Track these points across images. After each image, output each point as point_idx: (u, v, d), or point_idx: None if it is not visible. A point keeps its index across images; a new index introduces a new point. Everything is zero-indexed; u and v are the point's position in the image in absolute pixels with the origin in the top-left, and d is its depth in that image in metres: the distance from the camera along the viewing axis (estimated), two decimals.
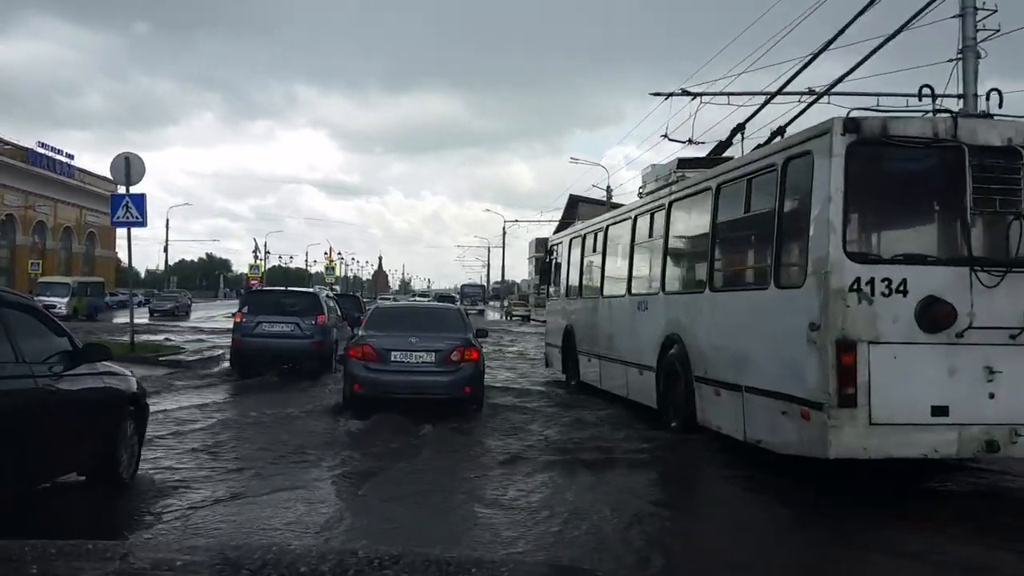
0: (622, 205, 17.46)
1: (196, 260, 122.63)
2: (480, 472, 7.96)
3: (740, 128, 11.13)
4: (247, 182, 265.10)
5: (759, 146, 9.10)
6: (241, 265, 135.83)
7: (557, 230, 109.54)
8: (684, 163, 11.36)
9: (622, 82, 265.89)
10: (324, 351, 16.12)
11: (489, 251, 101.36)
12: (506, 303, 70.98)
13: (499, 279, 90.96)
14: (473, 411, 11.29)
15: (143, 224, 18.05)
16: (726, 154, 11.13)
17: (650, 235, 11.12)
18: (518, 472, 7.89)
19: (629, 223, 12.00)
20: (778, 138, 8.99)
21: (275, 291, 19.76)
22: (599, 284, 13.41)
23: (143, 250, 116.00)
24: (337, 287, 73.16)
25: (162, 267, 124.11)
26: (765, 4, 18.75)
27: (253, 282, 54.03)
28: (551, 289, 17.29)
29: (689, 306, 9.67)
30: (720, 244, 9.07)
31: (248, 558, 1.70)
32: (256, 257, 52.88)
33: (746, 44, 36.79)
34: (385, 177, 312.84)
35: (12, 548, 1.66)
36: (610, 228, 13.15)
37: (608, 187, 49.32)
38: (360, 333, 12.08)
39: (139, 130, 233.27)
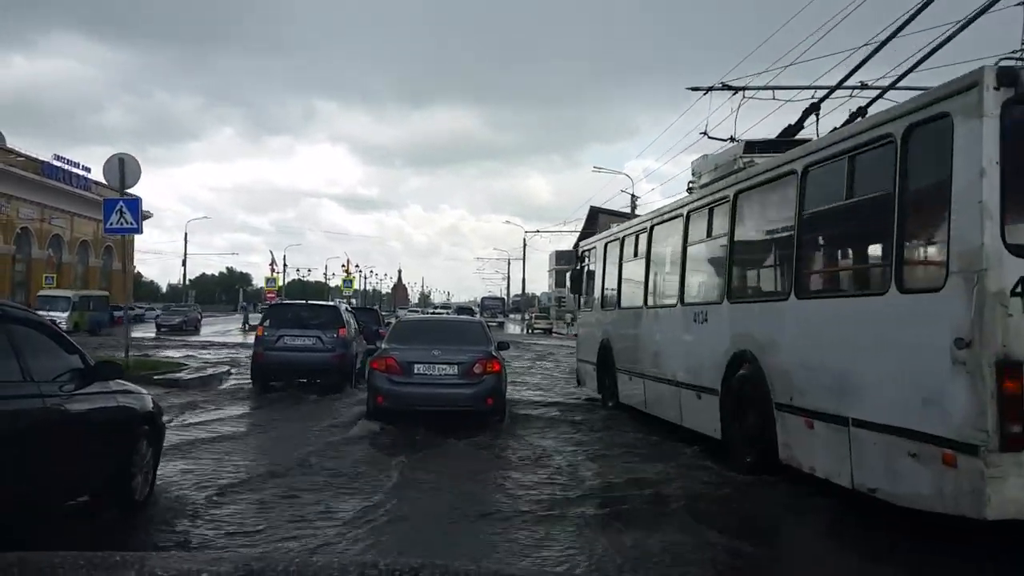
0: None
1: (217, 274, 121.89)
2: (500, 528, 6.19)
3: (814, 108, 9.41)
4: (267, 196, 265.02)
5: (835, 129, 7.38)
6: (261, 279, 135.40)
7: (578, 241, 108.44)
8: (752, 147, 9.57)
9: (639, 95, 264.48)
10: (346, 365, 15.76)
11: (509, 263, 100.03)
12: (527, 316, 69.17)
13: (519, 292, 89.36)
14: (496, 422, 11.15)
15: (138, 231, 16.55)
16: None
17: (709, 233, 9.37)
18: (543, 528, 6.12)
19: (680, 221, 10.26)
20: (859, 119, 7.28)
21: (296, 305, 19.34)
22: (643, 293, 11.66)
23: (165, 264, 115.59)
24: (354, 300, 71.64)
25: (182, 283, 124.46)
26: (788, 9, 16.91)
27: (270, 296, 52.41)
28: (582, 300, 15.58)
29: (766, 317, 7.90)
30: (809, 239, 7.34)
31: (272, 570, 1.75)
32: (273, 270, 51.27)
33: (774, 48, 35.02)
34: (404, 191, 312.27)
35: (39, 560, 1.68)
36: (656, 228, 11.40)
37: (632, 195, 47.57)
38: (383, 346, 12.02)
39: (161, 145, 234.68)
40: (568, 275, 16.35)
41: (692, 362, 9.51)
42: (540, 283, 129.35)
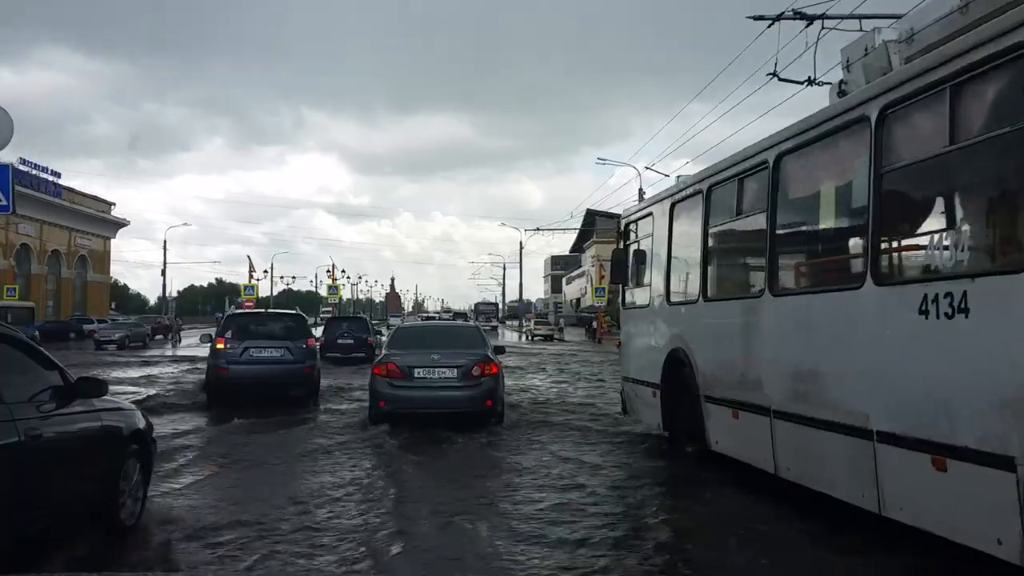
0: None
1: (206, 285, 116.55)
2: None
3: None
4: (259, 207, 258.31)
5: None
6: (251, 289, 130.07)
7: (574, 247, 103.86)
8: None
9: (628, 99, 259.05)
10: (315, 378, 14.66)
11: (504, 268, 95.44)
12: (527, 322, 64.01)
13: (516, 298, 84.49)
14: (493, 424, 11.11)
15: (7, 208, 11.65)
16: None
17: (952, 142, 4.55)
18: None
19: (851, 139, 5.52)
20: None
21: (260, 314, 18.33)
22: (765, 271, 6.83)
23: (154, 276, 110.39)
24: (331, 308, 66.00)
25: (174, 294, 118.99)
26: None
27: (248, 304, 47.24)
28: (629, 291, 10.74)
29: None
30: None
31: None
32: (252, 276, 45.62)
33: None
34: (395, 199, 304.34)
35: None
36: (788, 160, 6.58)
37: (640, 189, 42.68)
38: (384, 352, 11.97)
39: (150, 157, 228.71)
40: (611, 259, 11.41)
41: (911, 394, 4.71)
42: (535, 290, 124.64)
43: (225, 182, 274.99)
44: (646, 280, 9.99)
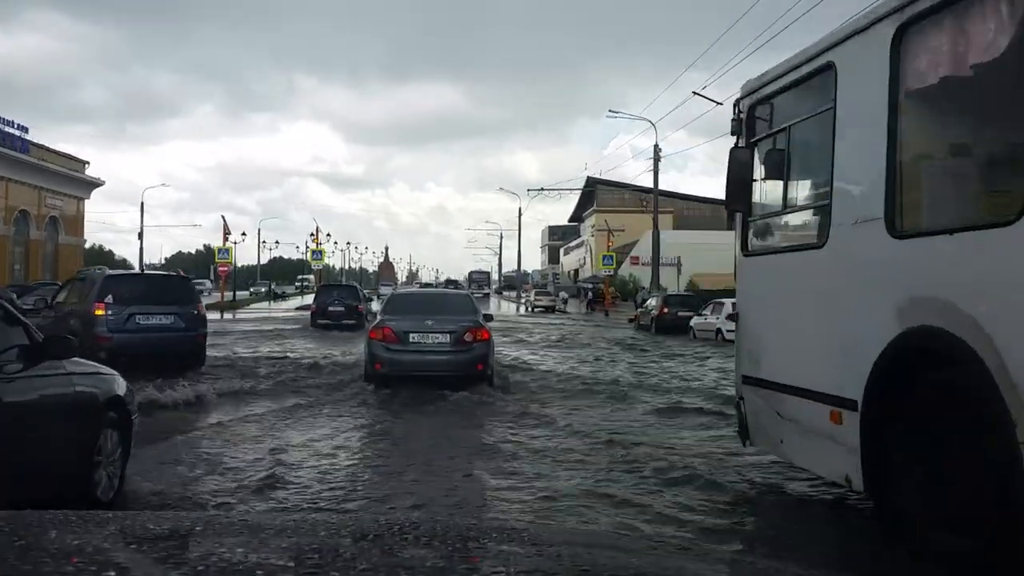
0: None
1: (194, 252, 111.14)
2: None
3: None
4: (252, 176, 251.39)
5: None
6: (244, 258, 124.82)
7: (573, 216, 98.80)
8: None
9: (625, 69, 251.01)
10: (203, 345, 13.51)
11: (501, 236, 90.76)
12: (525, 293, 58.98)
13: (514, 268, 79.61)
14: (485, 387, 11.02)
15: None
16: None
17: None
18: None
19: None
20: None
21: (141, 276, 17.57)
22: None
23: (148, 245, 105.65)
24: (311, 278, 60.64)
25: (162, 260, 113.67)
26: None
27: (222, 270, 42.09)
28: (759, 224, 5.98)
29: None
30: None
31: (269, 525, 1.57)
32: (226, 238, 40.37)
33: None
34: (390, 169, 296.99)
35: (30, 517, 1.49)
36: None
37: (656, 145, 37.73)
38: (380, 317, 12.14)
39: (140, 123, 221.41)
40: (728, 166, 6.23)
41: None
42: (531, 261, 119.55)
43: (217, 149, 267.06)
44: (809, 196, 5.18)
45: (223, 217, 42.24)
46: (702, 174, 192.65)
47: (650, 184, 37.87)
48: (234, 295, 49.62)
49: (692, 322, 25.08)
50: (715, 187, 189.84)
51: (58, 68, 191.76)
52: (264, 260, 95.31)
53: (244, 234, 53.49)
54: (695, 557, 1.65)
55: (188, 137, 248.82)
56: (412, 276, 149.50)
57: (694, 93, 24.63)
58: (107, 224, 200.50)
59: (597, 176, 68.07)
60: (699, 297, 28.79)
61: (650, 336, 25.64)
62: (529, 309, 49.28)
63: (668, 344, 21.90)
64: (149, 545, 1.34)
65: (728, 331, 23.77)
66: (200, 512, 4.51)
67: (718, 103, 24.97)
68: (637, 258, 64.12)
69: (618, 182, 69.36)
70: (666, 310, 27.37)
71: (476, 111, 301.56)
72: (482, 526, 1.91)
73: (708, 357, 17.95)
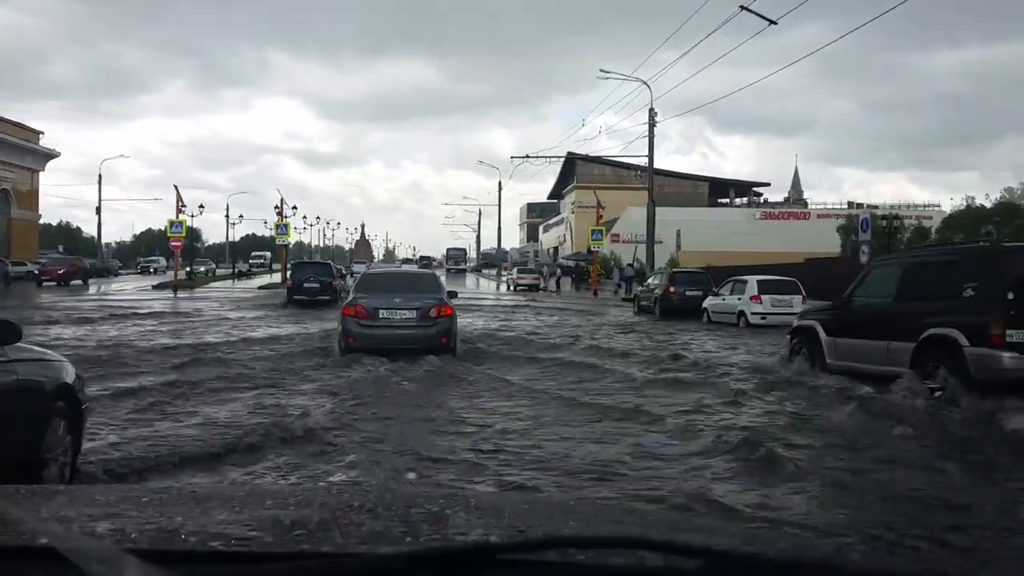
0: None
1: (163, 228, 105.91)
2: None
3: None
4: (225, 152, 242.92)
5: None
6: (213, 234, 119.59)
7: (552, 193, 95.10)
8: None
9: (601, 46, 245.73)
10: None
11: (480, 212, 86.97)
12: (506, 272, 55.20)
13: (493, 246, 75.73)
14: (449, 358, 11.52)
15: None
16: None
17: None
18: None
19: None
20: None
21: None
22: None
23: (122, 222, 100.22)
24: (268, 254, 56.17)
25: (132, 239, 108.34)
26: None
27: (175, 244, 37.86)
28: None
29: None
30: None
31: (221, 494, 1.68)
32: (179, 211, 36.18)
33: None
34: (365, 146, 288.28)
35: (12, 491, 1.46)
36: None
37: (651, 109, 33.98)
38: (352, 295, 12.78)
39: (111, 98, 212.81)
40: None
41: None
42: (510, 239, 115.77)
43: (189, 126, 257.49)
44: None
45: (175, 187, 38.12)
46: (675, 152, 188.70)
47: (628, 162, 34.72)
48: (189, 272, 45.56)
49: (706, 303, 21.59)
50: (688, 165, 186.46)
51: (26, 42, 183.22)
52: (236, 237, 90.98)
53: (202, 206, 49.45)
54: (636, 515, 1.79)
55: (160, 113, 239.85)
56: (389, 254, 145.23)
57: (742, 8, 20.79)
58: (76, 200, 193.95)
59: (577, 153, 64.21)
60: (708, 275, 25.01)
61: (659, 321, 22.00)
62: (511, 288, 45.59)
63: (693, 332, 18.31)
64: (99, 515, 1.32)
65: (754, 314, 20.28)
66: (148, 484, 4.64)
67: (773, 22, 21.26)
68: (618, 235, 60.70)
69: (597, 158, 65.51)
70: (672, 289, 23.45)
71: (453, 88, 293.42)
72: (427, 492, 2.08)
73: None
